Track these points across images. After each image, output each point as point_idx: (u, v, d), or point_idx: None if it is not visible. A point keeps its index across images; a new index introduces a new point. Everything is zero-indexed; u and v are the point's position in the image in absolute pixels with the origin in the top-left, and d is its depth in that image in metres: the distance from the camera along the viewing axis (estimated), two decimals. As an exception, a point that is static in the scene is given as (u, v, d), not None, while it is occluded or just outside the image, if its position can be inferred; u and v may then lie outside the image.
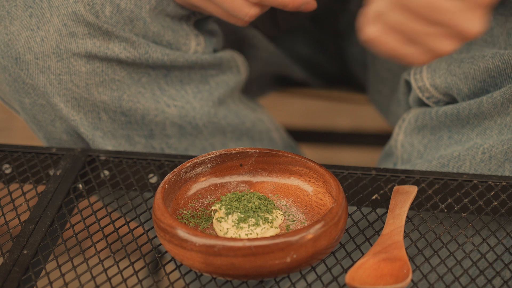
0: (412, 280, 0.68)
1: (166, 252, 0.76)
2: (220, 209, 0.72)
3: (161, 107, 0.94)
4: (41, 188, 0.83)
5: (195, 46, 0.95)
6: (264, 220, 0.71)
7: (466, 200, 0.79)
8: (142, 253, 0.74)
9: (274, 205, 0.73)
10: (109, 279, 0.71)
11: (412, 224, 0.76)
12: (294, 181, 0.77)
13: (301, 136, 1.42)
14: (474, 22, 0.67)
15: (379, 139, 1.39)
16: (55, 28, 0.86)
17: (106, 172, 0.85)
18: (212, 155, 0.76)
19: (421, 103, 0.96)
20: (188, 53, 0.95)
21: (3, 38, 0.88)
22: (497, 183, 0.80)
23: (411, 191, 0.78)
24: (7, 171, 0.86)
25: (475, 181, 0.80)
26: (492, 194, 0.79)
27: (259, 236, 0.70)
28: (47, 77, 0.88)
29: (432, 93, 0.93)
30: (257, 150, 0.77)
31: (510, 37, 0.88)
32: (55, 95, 0.89)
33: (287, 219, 0.74)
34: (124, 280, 0.70)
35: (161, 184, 0.73)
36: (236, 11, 0.85)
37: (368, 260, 0.68)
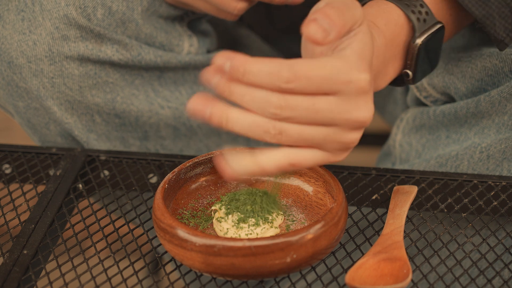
0: (412, 280, 0.68)
1: (166, 252, 0.76)
2: (220, 209, 0.72)
3: (155, 108, 0.94)
4: (41, 188, 0.83)
5: (188, 47, 0.95)
6: (264, 220, 0.71)
7: (466, 200, 0.79)
8: (142, 253, 0.74)
9: (275, 200, 0.73)
10: (109, 279, 0.71)
11: (412, 224, 0.76)
12: (294, 181, 0.77)
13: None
14: (362, 109, 0.65)
15: (379, 139, 1.39)
16: (47, 32, 0.86)
17: (106, 172, 0.85)
18: (212, 155, 0.76)
19: (419, 103, 0.96)
20: (181, 54, 0.95)
21: None
22: (497, 183, 0.80)
23: (411, 191, 0.78)
24: (7, 171, 0.86)
25: (475, 181, 0.80)
26: (492, 194, 0.79)
27: (259, 236, 0.70)
28: (40, 81, 0.88)
29: (430, 92, 0.93)
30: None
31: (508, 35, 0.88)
32: (48, 98, 0.89)
33: (287, 219, 0.74)
34: (124, 280, 0.70)
35: (161, 184, 0.72)
36: (225, 5, 0.85)
37: (368, 260, 0.68)
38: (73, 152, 0.86)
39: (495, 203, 0.79)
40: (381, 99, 1.12)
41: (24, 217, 0.78)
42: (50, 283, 0.71)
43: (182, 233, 0.67)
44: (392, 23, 0.76)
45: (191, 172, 0.76)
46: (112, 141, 0.94)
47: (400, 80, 0.80)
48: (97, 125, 0.92)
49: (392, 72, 0.78)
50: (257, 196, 0.73)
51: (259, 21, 1.07)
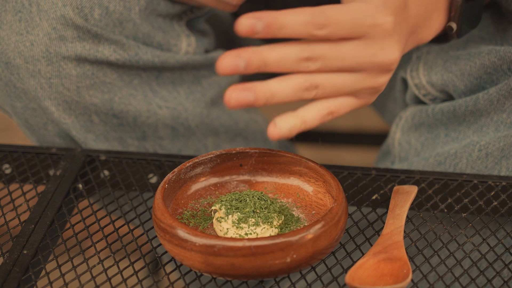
0: (412, 280, 0.68)
1: (166, 252, 0.76)
2: (220, 209, 0.72)
3: (153, 108, 0.94)
4: (41, 188, 0.83)
5: (186, 47, 0.95)
6: (264, 220, 0.71)
7: (466, 200, 0.79)
8: (142, 253, 0.74)
9: (272, 202, 0.73)
10: (109, 279, 0.71)
11: (412, 224, 0.76)
12: (294, 181, 0.77)
13: (301, 136, 1.41)
14: (388, 52, 0.68)
15: (379, 139, 1.39)
16: (44, 32, 0.86)
17: (106, 172, 0.85)
18: (212, 155, 0.76)
19: (418, 101, 0.96)
20: (179, 54, 0.94)
21: None
22: (497, 183, 0.80)
23: (411, 191, 0.78)
24: (7, 171, 0.86)
25: (475, 181, 0.80)
26: (492, 194, 0.79)
27: (259, 236, 0.70)
28: (38, 81, 0.88)
29: (428, 90, 0.93)
30: (257, 150, 0.77)
31: (506, 33, 0.88)
32: (46, 99, 0.89)
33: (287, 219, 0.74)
34: (124, 280, 0.70)
35: (161, 184, 0.72)
36: None
37: (368, 260, 0.68)
38: (73, 152, 0.86)
39: (495, 203, 0.79)
40: (380, 98, 1.12)
41: (24, 217, 0.78)
42: (50, 283, 0.71)
43: (182, 233, 0.67)
44: None
45: (191, 172, 0.76)
46: (110, 141, 0.94)
47: (444, 36, 0.82)
48: (95, 126, 0.92)
49: (436, 24, 0.80)
50: (256, 196, 0.73)
51: None
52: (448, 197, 0.80)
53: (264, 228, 0.70)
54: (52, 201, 0.79)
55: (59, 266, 0.72)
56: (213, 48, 1.01)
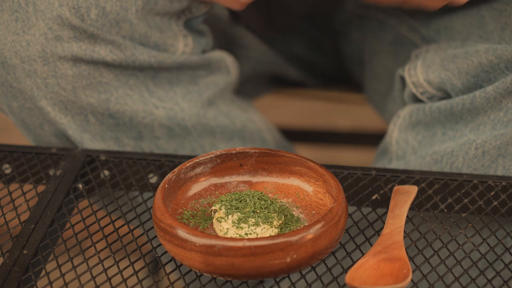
0: (412, 280, 0.68)
1: (166, 252, 0.76)
2: (220, 209, 0.72)
3: (149, 109, 0.94)
4: (41, 188, 0.83)
5: (183, 47, 0.95)
6: (264, 220, 0.71)
7: (466, 200, 0.79)
8: (142, 253, 0.74)
9: (272, 202, 0.73)
10: (109, 279, 0.71)
11: (412, 224, 0.76)
12: (294, 181, 0.77)
13: (301, 136, 1.42)
14: None
15: (379, 139, 1.39)
16: (40, 32, 0.86)
17: (106, 172, 0.85)
18: (212, 155, 0.76)
19: (416, 100, 0.96)
20: (175, 54, 0.94)
21: None
22: (497, 183, 0.80)
23: (411, 191, 0.78)
24: (7, 171, 0.86)
25: (475, 181, 0.80)
26: (492, 194, 0.79)
27: (259, 236, 0.70)
28: (34, 81, 0.88)
29: (426, 89, 0.93)
30: (257, 150, 0.77)
31: (504, 31, 0.88)
32: (42, 99, 0.89)
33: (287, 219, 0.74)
34: (124, 280, 0.70)
35: (161, 184, 0.72)
36: None
37: (368, 260, 0.68)
38: (73, 152, 0.86)
39: (495, 203, 0.79)
40: (380, 98, 1.12)
41: (24, 217, 0.78)
42: (50, 283, 0.71)
43: (182, 233, 0.67)
44: None
45: (191, 172, 0.76)
46: (107, 141, 0.94)
47: None
48: (91, 126, 0.92)
49: None
50: (256, 196, 0.73)
51: (258, 22, 1.07)
52: (448, 197, 0.80)
53: (264, 228, 0.70)
54: (52, 201, 0.79)
55: (59, 266, 0.72)
56: (210, 49, 1.01)
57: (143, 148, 0.97)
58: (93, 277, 0.71)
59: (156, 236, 0.73)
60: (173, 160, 0.85)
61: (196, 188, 0.76)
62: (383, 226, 0.73)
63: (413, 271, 0.70)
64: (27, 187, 0.84)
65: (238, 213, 0.71)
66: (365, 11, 1.11)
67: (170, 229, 0.68)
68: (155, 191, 0.79)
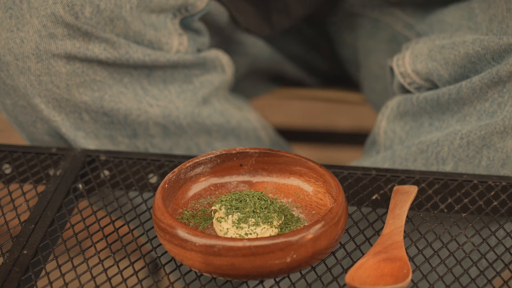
0: (412, 280, 0.68)
1: (166, 252, 0.76)
2: (220, 209, 0.72)
3: (143, 107, 0.94)
4: (41, 188, 0.83)
5: (177, 46, 0.95)
6: (264, 220, 0.71)
7: (466, 200, 0.79)
8: (142, 253, 0.74)
9: (272, 202, 0.73)
10: (109, 279, 0.71)
11: (412, 224, 0.76)
12: (294, 181, 0.77)
13: (301, 136, 1.42)
14: None
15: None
16: (34, 29, 0.86)
17: (106, 172, 0.85)
18: (212, 155, 0.76)
19: (404, 90, 0.96)
20: (170, 52, 0.94)
21: None
22: (497, 183, 0.80)
23: (411, 191, 0.78)
24: (7, 171, 0.86)
25: (475, 181, 0.80)
26: (492, 194, 0.79)
27: (259, 236, 0.70)
28: (27, 78, 0.88)
29: (413, 79, 0.93)
30: (257, 150, 0.77)
31: (492, 23, 0.89)
32: (35, 96, 0.89)
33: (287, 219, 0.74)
34: (124, 280, 0.70)
35: (161, 184, 0.72)
36: None
37: (368, 260, 0.68)
38: (73, 152, 0.86)
39: (495, 203, 0.79)
40: (378, 97, 1.12)
41: (24, 217, 0.78)
42: (50, 283, 0.71)
43: (182, 233, 0.67)
44: None
45: (191, 172, 0.76)
46: (101, 139, 0.94)
47: None
48: (85, 123, 0.92)
49: None
50: (256, 196, 0.73)
51: (257, 24, 1.07)
52: (448, 197, 0.80)
53: (264, 228, 0.70)
54: (52, 201, 0.79)
55: (59, 266, 0.72)
56: (206, 48, 1.01)
57: (138, 146, 0.97)
58: (93, 277, 0.71)
59: (156, 236, 0.73)
60: (173, 160, 0.85)
61: (196, 188, 0.76)
62: (383, 226, 0.73)
63: (413, 271, 0.70)
64: (27, 187, 0.84)
65: (238, 213, 0.71)
66: (360, 10, 1.11)
67: (170, 229, 0.68)
68: (155, 191, 0.79)
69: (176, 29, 0.95)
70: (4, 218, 0.80)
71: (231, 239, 0.66)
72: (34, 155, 0.87)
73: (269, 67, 1.17)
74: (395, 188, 0.79)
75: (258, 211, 0.71)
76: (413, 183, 0.81)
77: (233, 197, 0.73)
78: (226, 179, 0.77)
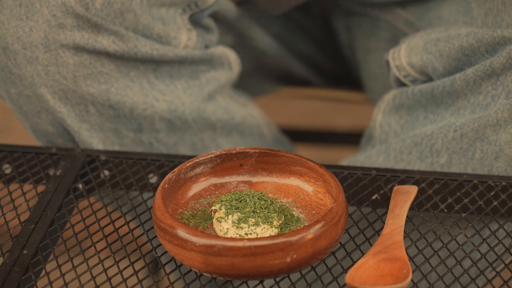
0: (412, 280, 0.68)
1: (166, 252, 0.76)
2: (220, 209, 0.72)
3: (150, 101, 0.94)
4: (41, 188, 0.83)
5: (186, 41, 0.95)
6: (264, 220, 0.71)
7: (466, 200, 0.79)
8: (142, 253, 0.74)
9: (272, 202, 0.73)
10: (109, 279, 0.71)
11: (412, 224, 0.76)
12: (294, 181, 0.77)
13: (301, 136, 1.42)
14: None
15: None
16: (44, 19, 0.86)
17: (106, 172, 0.85)
18: (212, 155, 0.76)
19: (400, 84, 0.96)
20: (178, 47, 0.94)
21: None
22: (497, 183, 0.80)
23: (411, 191, 0.78)
24: (7, 171, 0.86)
25: (475, 181, 0.80)
26: (492, 194, 0.79)
27: (259, 236, 0.70)
28: (35, 68, 0.88)
29: (408, 72, 0.93)
30: (257, 150, 0.77)
31: (487, 16, 0.89)
32: (42, 86, 0.89)
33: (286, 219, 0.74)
34: (124, 280, 0.70)
35: (161, 184, 0.72)
36: None
37: (368, 260, 0.68)
38: (73, 152, 0.86)
39: (495, 203, 0.79)
40: (377, 96, 1.12)
41: (24, 217, 0.78)
42: (50, 283, 0.71)
43: (182, 233, 0.67)
44: None
45: (191, 172, 0.76)
46: (106, 132, 0.94)
47: None
48: (91, 116, 0.92)
49: None
50: (256, 196, 0.73)
51: (266, 2, 1.07)
52: (448, 197, 0.80)
53: (264, 228, 0.70)
54: (52, 201, 0.79)
55: (59, 266, 0.72)
56: (215, 44, 1.01)
57: (143, 140, 0.96)
58: (93, 277, 0.71)
59: (156, 236, 0.73)
60: (173, 160, 0.85)
61: (196, 188, 0.76)
62: (383, 226, 0.73)
63: (413, 271, 0.70)
64: (27, 187, 0.84)
65: (238, 213, 0.71)
66: (361, 8, 1.11)
67: (170, 229, 0.68)
68: (155, 191, 0.79)
69: (185, 24, 0.95)
70: (4, 218, 0.80)
71: (231, 239, 0.66)
72: (34, 155, 0.87)
73: (276, 65, 1.17)
74: (395, 188, 0.79)
75: (258, 211, 0.71)
76: (413, 183, 0.81)
77: (233, 197, 0.73)
78: (226, 179, 0.77)
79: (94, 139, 0.93)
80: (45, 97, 0.89)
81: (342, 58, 1.21)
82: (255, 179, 0.77)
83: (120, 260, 0.73)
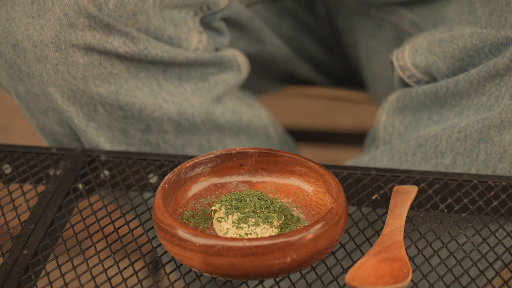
0: (412, 280, 0.68)
1: (166, 252, 0.76)
2: (220, 209, 0.72)
3: (159, 102, 0.94)
4: (41, 188, 0.83)
5: (196, 43, 0.95)
6: (264, 220, 0.71)
7: (466, 200, 0.79)
8: (142, 253, 0.74)
9: (272, 202, 0.73)
10: (109, 279, 0.71)
11: (412, 224, 0.76)
12: (294, 181, 0.77)
13: (301, 136, 1.42)
14: None
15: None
16: (55, 18, 0.86)
17: (106, 172, 0.85)
18: (212, 155, 0.76)
19: (404, 84, 0.96)
20: (188, 50, 0.94)
21: (3, 23, 0.87)
22: (497, 183, 0.80)
23: (411, 191, 0.78)
24: (7, 171, 0.86)
25: (475, 181, 0.80)
26: (492, 194, 0.79)
27: (259, 236, 0.70)
28: (44, 66, 0.88)
29: (412, 72, 0.93)
30: (257, 150, 0.77)
31: (491, 16, 0.89)
32: (50, 85, 0.89)
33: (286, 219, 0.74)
34: (124, 280, 0.70)
35: (161, 184, 0.72)
36: None
37: (368, 260, 0.68)
38: (73, 152, 0.86)
39: (495, 203, 0.78)
40: (381, 97, 1.12)
41: (24, 217, 0.78)
42: (50, 283, 0.71)
43: (182, 233, 0.67)
44: None
45: (191, 172, 0.76)
46: (113, 131, 0.94)
47: None
48: (99, 116, 0.92)
49: None
50: (256, 196, 0.73)
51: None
52: (448, 197, 0.80)
53: (264, 228, 0.70)
54: (52, 201, 0.79)
55: (59, 266, 0.72)
56: (225, 47, 1.00)
57: (150, 141, 0.96)
58: (93, 277, 0.71)
59: (156, 236, 0.73)
60: (173, 160, 0.85)
61: (196, 188, 0.76)
62: (383, 226, 0.73)
63: (413, 271, 0.70)
64: (27, 187, 0.84)
65: (238, 213, 0.71)
66: (365, 9, 1.11)
67: (170, 229, 0.68)
68: (155, 191, 0.79)
69: (196, 26, 0.95)
70: (4, 218, 0.80)
71: (231, 239, 0.66)
72: (34, 155, 0.87)
73: (283, 66, 1.17)
74: (395, 188, 0.79)
75: (258, 211, 0.71)
76: (413, 183, 0.81)
77: (233, 197, 0.73)
78: (226, 179, 0.77)
79: (101, 137, 0.93)
80: (53, 96, 0.89)
81: (348, 59, 1.21)
82: (255, 179, 0.78)
83: (120, 260, 0.73)
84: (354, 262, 0.70)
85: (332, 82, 1.24)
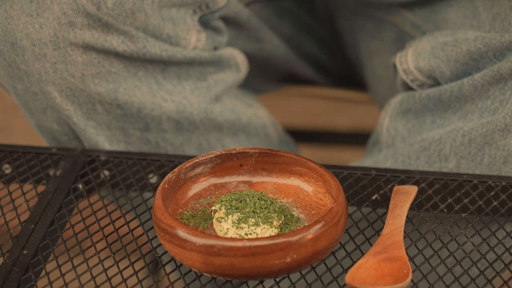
0: (412, 280, 0.68)
1: (166, 252, 0.76)
2: (220, 209, 0.72)
3: (157, 101, 0.94)
4: (41, 188, 0.83)
5: (195, 42, 0.95)
6: (264, 220, 0.71)
7: (466, 200, 0.79)
8: (142, 253, 0.74)
9: (272, 202, 0.73)
10: (109, 279, 0.71)
11: (412, 224, 0.76)
12: (294, 181, 0.77)
13: (301, 136, 1.42)
14: None
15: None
16: (54, 16, 0.86)
17: (106, 172, 0.85)
18: (212, 155, 0.76)
19: (407, 87, 0.96)
20: (187, 48, 0.94)
21: (2, 22, 0.87)
22: (497, 183, 0.80)
23: (411, 191, 0.78)
24: (7, 171, 0.86)
25: (475, 181, 0.80)
26: (492, 194, 0.79)
27: (259, 236, 0.70)
28: (43, 65, 0.88)
29: (416, 76, 0.93)
30: (257, 150, 0.77)
31: (495, 21, 0.89)
32: (49, 84, 0.89)
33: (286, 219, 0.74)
34: (124, 280, 0.70)
35: (161, 184, 0.72)
36: None
37: (368, 260, 0.68)
38: (73, 152, 0.86)
39: (495, 203, 0.79)
40: (383, 98, 1.12)
41: (24, 217, 0.78)
42: (50, 283, 0.71)
43: (182, 233, 0.67)
44: None
45: (191, 172, 0.76)
46: (112, 130, 0.94)
47: None
48: (98, 115, 0.92)
49: None
50: (256, 196, 0.73)
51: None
52: (448, 197, 0.80)
53: (264, 228, 0.70)
54: (52, 201, 0.79)
55: (59, 266, 0.72)
56: (224, 46, 1.00)
57: (149, 140, 0.96)
58: (93, 277, 0.71)
59: (156, 236, 0.73)
60: (173, 160, 0.85)
61: (196, 188, 0.76)
62: (383, 226, 0.73)
63: (413, 271, 0.70)
64: (27, 187, 0.84)
65: (238, 213, 0.71)
66: (366, 10, 1.11)
67: (170, 229, 0.68)
68: (155, 191, 0.79)
69: (195, 25, 0.94)
70: (4, 218, 0.80)
71: (231, 239, 0.66)
72: (34, 155, 0.87)
73: (282, 66, 1.17)
74: (395, 188, 0.79)
75: (258, 211, 0.71)
76: (413, 183, 0.81)
77: (233, 197, 0.73)
78: (226, 179, 0.77)
79: (100, 136, 0.93)
80: (52, 94, 0.89)
81: (348, 59, 1.21)
82: (255, 179, 0.78)
83: (120, 260, 0.73)
84: (354, 262, 0.70)
85: (331, 82, 1.24)
